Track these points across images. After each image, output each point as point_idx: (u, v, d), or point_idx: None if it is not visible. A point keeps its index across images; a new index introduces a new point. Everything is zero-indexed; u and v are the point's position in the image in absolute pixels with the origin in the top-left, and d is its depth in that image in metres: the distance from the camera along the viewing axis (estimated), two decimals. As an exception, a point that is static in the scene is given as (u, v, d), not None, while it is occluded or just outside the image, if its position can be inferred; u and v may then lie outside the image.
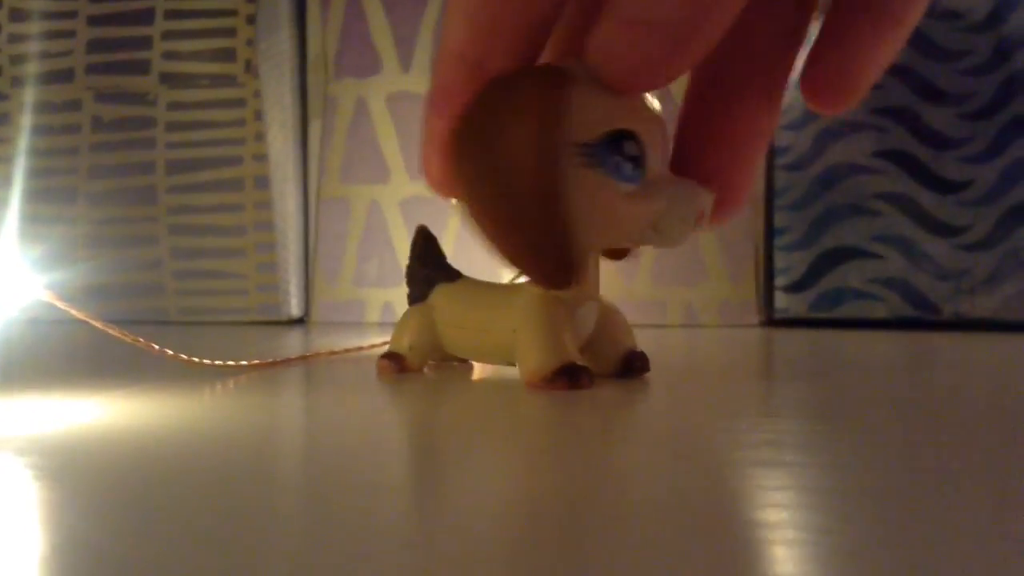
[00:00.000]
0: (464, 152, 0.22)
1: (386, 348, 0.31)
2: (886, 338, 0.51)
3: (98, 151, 0.69)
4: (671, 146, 0.24)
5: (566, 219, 0.22)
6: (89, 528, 0.12)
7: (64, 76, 0.69)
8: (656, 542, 0.11)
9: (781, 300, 0.63)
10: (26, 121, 0.69)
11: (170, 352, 0.29)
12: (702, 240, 0.64)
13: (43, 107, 0.69)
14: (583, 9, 0.23)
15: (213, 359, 0.31)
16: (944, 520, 0.12)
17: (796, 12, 0.22)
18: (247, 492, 0.14)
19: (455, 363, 0.32)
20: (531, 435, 0.20)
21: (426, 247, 0.32)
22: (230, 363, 0.31)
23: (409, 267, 0.32)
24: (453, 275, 0.30)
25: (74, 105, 0.69)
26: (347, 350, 0.38)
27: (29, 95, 0.69)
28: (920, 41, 0.60)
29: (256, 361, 0.32)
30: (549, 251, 0.22)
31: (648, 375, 0.28)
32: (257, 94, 0.68)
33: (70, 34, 0.70)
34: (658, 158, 0.23)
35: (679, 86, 0.23)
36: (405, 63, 0.69)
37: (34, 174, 0.69)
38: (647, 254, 0.64)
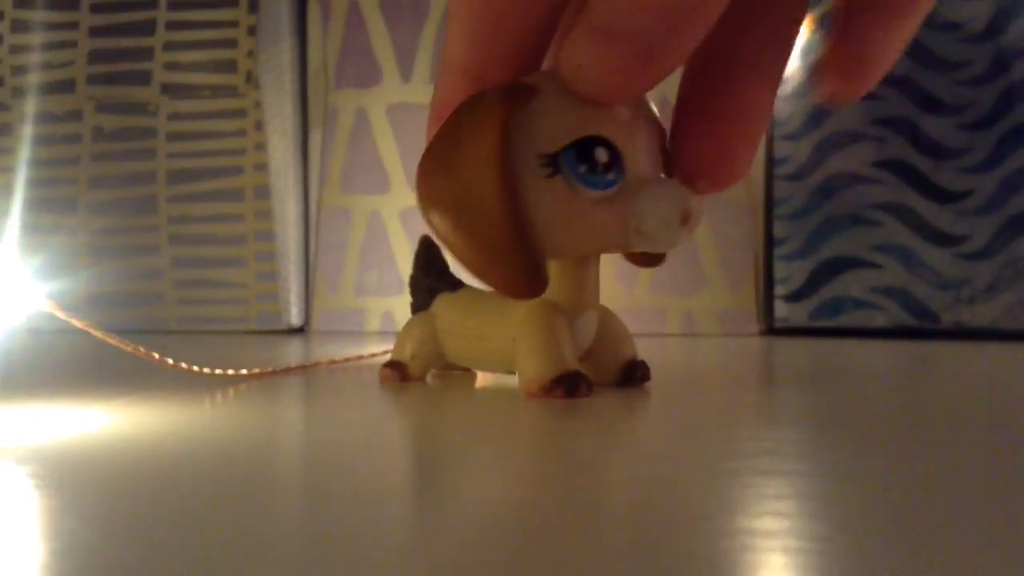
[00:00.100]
0: (427, 168, 0.22)
1: (388, 357, 0.31)
2: (886, 347, 0.51)
3: (99, 161, 0.69)
4: (660, 146, 0.24)
5: (530, 229, 0.22)
6: (89, 535, 0.12)
7: (65, 87, 0.70)
8: (655, 550, 0.11)
9: (781, 309, 0.63)
10: (27, 131, 0.69)
11: (170, 361, 0.29)
12: (702, 249, 0.64)
13: (44, 117, 0.70)
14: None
15: (213, 368, 0.31)
16: (944, 529, 0.12)
17: None
18: (247, 500, 0.14)
19: (458, 372, 0.32)
20: (530, 444, 0.20)
21: (428, 257, 0.32)
22: (230, 372, 0.31)
23: (412, 277, 0.32)
24: (455, 284, 0.30)
25: (75, 115, 0.70)
26: (347, 359, 0.38)
27: (31, 105, 0.70)
28: (919, 52, 0.60)
29: (256, 370, 0.32)
30: (511, 262, 0.22)
31: (648, 384, 0.28)
32: (258, 104, 0.68)
33: (71, 45, 0.70)
34: (642, 161, 0.22)
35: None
36: (405, 74, 0.69)
37: (35, 184, 0.69)
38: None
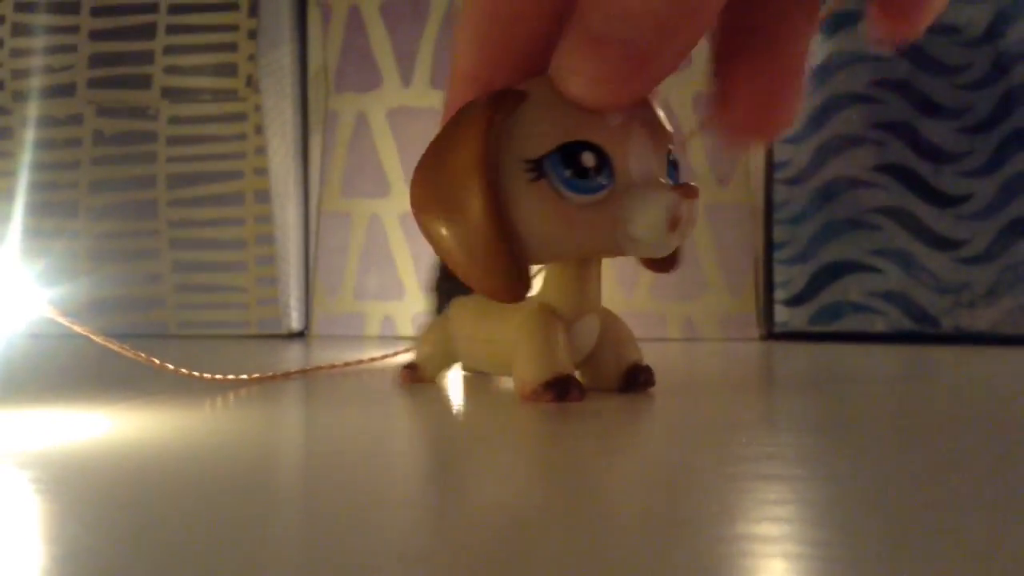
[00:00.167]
0: (417, 174, 0.23)
1: (388, 360, 0.31)
2: (886, 351, 0.51)
3: (99, 165, 0.69)
4: (661, 149, 0.23)
5: (515, 234, 0.22)
6: (91, 540, 0.12)
7: (66, 90, 0.70)
8: (655, 556, 0.11)
9: (781, 314, 0.63)
10: (28, 135, 0.69)
11: (171, 366, 0.29)
12: (702, 254, 0.64)
13: (45, 121, 0.70)
14: None
15: (213, 373, 0.31)
16: (945, 533, 0.12)
17: None
18: (247, 505, 0.14)
19: (473, 374, 0.32)
20: (529, 448, 0.20)
21: None
22: (230, 377, 0.31)
23: (435, 279, 0.33)
24: (470, 288, 0.31)
25: (76, 119, 0.70)
26: (347, 363, 0.38)
27: (31, 109, 0.70)
28: (918, 55, 0.60)
29: (256, 375, 0.32)
30: (493, 265, 0.22)
31: (648, 389, 0.28)
32: (258, 108, 0.68)
33: (72, 48, 0.70)
34: (634, 166, 0.22)
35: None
36: (406, 78, 0.69)
37: (36, 188, 0.69)
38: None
